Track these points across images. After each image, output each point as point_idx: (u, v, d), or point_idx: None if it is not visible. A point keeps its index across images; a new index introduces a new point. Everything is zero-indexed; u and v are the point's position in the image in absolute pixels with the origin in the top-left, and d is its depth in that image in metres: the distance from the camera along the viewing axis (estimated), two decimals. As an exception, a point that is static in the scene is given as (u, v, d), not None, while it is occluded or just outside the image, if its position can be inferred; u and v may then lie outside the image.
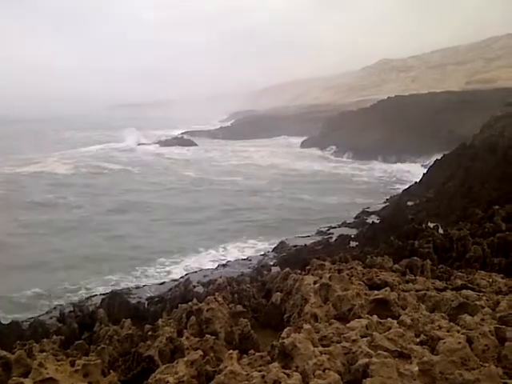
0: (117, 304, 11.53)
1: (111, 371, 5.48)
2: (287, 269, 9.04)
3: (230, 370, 4.43)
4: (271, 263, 18.72)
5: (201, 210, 35.24)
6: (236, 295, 8.76)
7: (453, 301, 6.56)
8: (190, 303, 7.81)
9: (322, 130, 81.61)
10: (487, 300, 6.79)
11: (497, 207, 16.65)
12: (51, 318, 12.96)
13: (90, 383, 4.95)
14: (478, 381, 4.03)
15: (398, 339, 4.89)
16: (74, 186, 44.74)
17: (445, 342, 4.48)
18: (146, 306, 12.22)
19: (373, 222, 23.83)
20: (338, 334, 5.27)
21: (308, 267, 9.13)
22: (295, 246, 21.85)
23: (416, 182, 34.31)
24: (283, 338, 4.94)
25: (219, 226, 30.10)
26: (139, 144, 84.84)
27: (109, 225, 30.50)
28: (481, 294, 7.27)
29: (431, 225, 17.06)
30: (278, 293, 8.02)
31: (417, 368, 4.28)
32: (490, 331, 4.89)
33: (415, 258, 10.65)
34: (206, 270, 19.91)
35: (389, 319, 5.63)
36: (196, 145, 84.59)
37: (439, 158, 34.37)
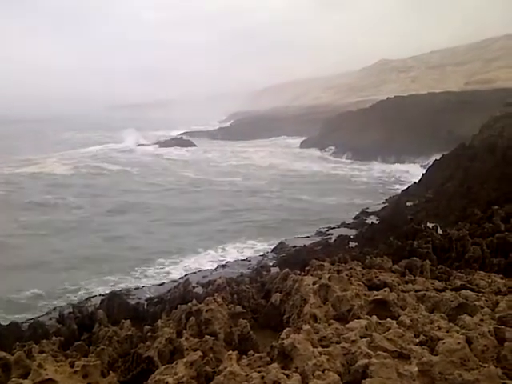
0: (116, 305, 11.52)
1: (111, 372, 5.48)
2: (286, 269, 9.04)
3: (230, 370, 4.43)
4: (270, 264, 18.70)
5: (200, 210, 35.24)
6: (235, 296, 8.76)
7: (452, 301, 6.57)
8: (189, 304, 7.81)
9: (321, 131, 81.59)
10: (486, 300, 6.79)
11: (496, 207, 16.66)
12: (51, 319, 12.94)
13: (89, 384, 4.95)
14: (477, 381, 4.03)
15: (398, 340, 4.89)
16: (74, 186, 44.73)
17: (444, 343, 4.49)
18: (145, 306, 12.21)
19: (372, 222, 23.85)
20: (337, 334, 5.27)
21: (307, 268, 9.12)
22: (294, 246, 21.83)
23: (415, 183, 34.33)
24: (283, 339, 4.94)
25: (218, 226, 30.10)
26: (138, 145, 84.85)
27: (108, 225, 30.51)
28: (480, 294, 7.27)
29: (430, 225, 17.07)
30: (278, 293, 8.02)
31: (416, 368, 4.28)
32: (489, 331, 4.90)
33: (414, 258, 10.66)
34: (206, 270, 19.90)
35: (388, 320, 5.64)
36: (195, 145, 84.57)
37: (438, 158, 34.40)
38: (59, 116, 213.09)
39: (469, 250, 12.19)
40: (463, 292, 7.20)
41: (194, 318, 6.99)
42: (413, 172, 49.09)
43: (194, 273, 19.53)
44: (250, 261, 21.07)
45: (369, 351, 4.57)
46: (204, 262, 22.63)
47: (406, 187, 35.82)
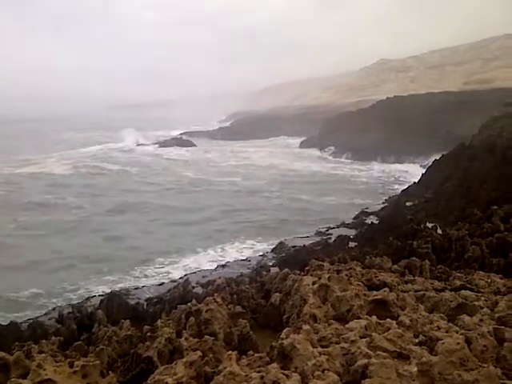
0: (116, 305, 11.52)
1: (110, 372, 5.48)
2: (286, 269, 9.03)
3: (229, 370, 4.43)
4: (270, 264, 18.71)
5: (199, 210, 35.25)
6: (235, 296, 8.75)
7: (451, 301, 6.57)
8: (189, 304, 7.80)
9: (320, 131, 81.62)
10: (486, 300, 6.79)
11: (495, 207, 16.66)
12: (50, 319, 12.93)
13: (88, 384, 4.95)
14: (476, 381, 4.03)
15: (397, 340, 4.89)
16: (73, 186, 44.75)
17: (443, 343, 4.49)
18: (144, 306, 12.19)
19: (372, 222, 23.86)
20: (336, 334, 5.27)
21: (307, 268, 9.11)
22: (294, 246, 21.84)
23: (415, 183, 34.35)
24: (282, 339, 4.94)
25: (218, 226, 30.11)
26: (138, 145, 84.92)
27: (108, 225, 30.52)
28: (479, 294, 7.27)
29: (430, 225, 17.07)
30: (277, 293, 8.01)
31: (416, 368, 4.28)
32: (488, 332, 4.90)
33: (414, 258, 10.66)
34: (205, 270, 19.90)
35: (388, 320, 5.64)
36: (195, 145, 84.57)
37: (438, 158, 34.42)
38: (59, 116, 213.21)
39: (468, 250, 12.19)
40: (462, 292, 7.20)
41: (193, 318, 6.99)
42: (412, 172, 49.14)
43: (194, 273, 19.55)
44: (249, 261, 21.07)
45: (368, 351, 4.57)
46: (203, 261, 22.64)
47: (405, 187, 35.86)
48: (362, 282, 7.77)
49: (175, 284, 14.45)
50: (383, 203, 32.32)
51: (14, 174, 50.24)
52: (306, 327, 5.19)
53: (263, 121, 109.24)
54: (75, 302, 15.91)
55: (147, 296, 15.74)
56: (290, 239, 24.10)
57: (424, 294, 7.11)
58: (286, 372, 4.34)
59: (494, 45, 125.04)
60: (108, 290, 16.81)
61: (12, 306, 17.40)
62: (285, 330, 5.29)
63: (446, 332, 5.05)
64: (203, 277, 17.70)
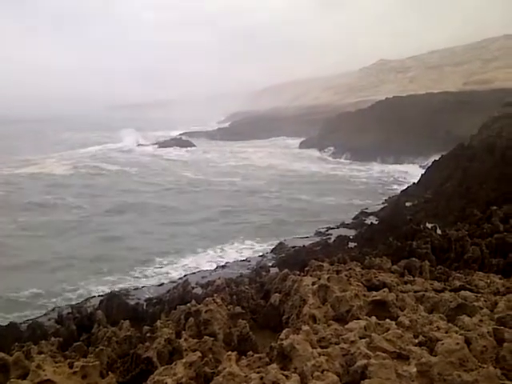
0: (115, 305, 11.52)
1: (109, 373, 5.48)
2: (286, 270, 9.04)
3: (229, 371, 4.43)
4: (270, 264, 18.69)
5: (199, 210, 35.25)
6: (235, 296, 8.76)
7: (451, 302, 6.57)
8: (188, 304, 7.80)
9: (320, 131, 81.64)
10: (485, 301, 6.80)
11: (495, 208, 16.66)
12: (49, 319, 12.92)
13: (88, 385, 4.95)
14: (476, 382, 4.03)
15: (397, 340, 4.89)
16: (73, 186, 44.75)
17: (443, 343, 4.49)
18: (144, 307, 12.19)
19: (371, 222, 23.84)
20: (336, 335, 5.27)
21: (306, 268, 9.12)
22: (294, 246, 21.82)
23: (414, 183, 34.34)
24: (282, 340, 4.94)
25: (217, 226, 30.12)
26: (138, 145, 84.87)
27: (107, 225, 30.51)
28: (479, 294, 7.27)
29: (429, 225, 17.06)
30: (277, 294, 8.02)
31: (415, 369, 4.28)
32: (488, 332, 4.90)
33: (413, 258, 10.66)
34: (205, 271, 19.89)
35: (387, 320, 5.64)
36: (194, 146, 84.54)
37: (437, 158, 34.43)
38: (59, 116, 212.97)
39: (468, 251, 12.20)
40: (462, 292, 7.21)
41: (193, 319, 6.99)
42: (412, 172, 49.15)
43: (193, 273, 19.53)
44: (249, 261, 21.05)
45: (368, 352, 4.57)
46: (203, 262, 22.64)
47: (405, 187, 35.85)
48: (362, 283, 7.78)
49: (175, 284, 14.45)
50: (383, 204, 32.29)
51: (13, 175, 50.23)
52: (305, 328, 5.19)
53: (263, 121, 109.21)
54: (75, 303, 15.91)
55: (147, 296, 15.72)
56: (289, 239, 24.08)
57: (423, 295, 7.11)
58: (285, 373, 4.34)
59: (493, 45, 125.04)
60: (107, 291, 16.82)
61: (12, 306, 17.40)
62: (284, 331, 5.30)
63: (446, 332, 5.05)
64: (203, 277, 17.69)
